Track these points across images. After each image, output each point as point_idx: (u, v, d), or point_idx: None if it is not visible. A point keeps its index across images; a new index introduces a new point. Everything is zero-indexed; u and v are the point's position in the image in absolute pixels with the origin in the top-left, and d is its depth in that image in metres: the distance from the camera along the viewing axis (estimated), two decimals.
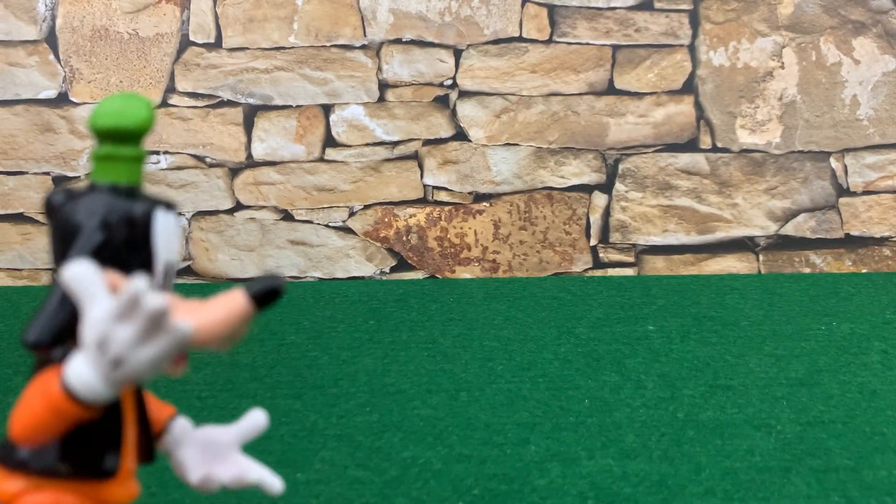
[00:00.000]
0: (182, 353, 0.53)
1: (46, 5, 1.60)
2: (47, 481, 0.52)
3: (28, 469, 0.52)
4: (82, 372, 0.47)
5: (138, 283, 0.44)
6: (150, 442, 0.59)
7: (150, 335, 0.45)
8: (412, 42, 1.63)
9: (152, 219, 0.53)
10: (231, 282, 1.67)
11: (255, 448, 1.02)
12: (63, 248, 0.52)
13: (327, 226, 1.68)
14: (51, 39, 1.61)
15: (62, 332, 0.50)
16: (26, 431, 0.49)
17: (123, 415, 0.55)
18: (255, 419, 0.62)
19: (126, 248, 0.52)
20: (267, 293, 0.50)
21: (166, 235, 0.54)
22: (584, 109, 1.66)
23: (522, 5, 1.63)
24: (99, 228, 0.52)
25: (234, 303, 0.50)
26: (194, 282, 1.67)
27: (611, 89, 1.65)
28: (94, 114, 0.54)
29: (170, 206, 0.55)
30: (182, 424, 0.62)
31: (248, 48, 1.62)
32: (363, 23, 1.62)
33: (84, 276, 0.46)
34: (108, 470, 0.53)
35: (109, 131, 0.54)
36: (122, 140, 0.54)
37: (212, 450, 0.61)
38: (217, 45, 1.62)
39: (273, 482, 0.61)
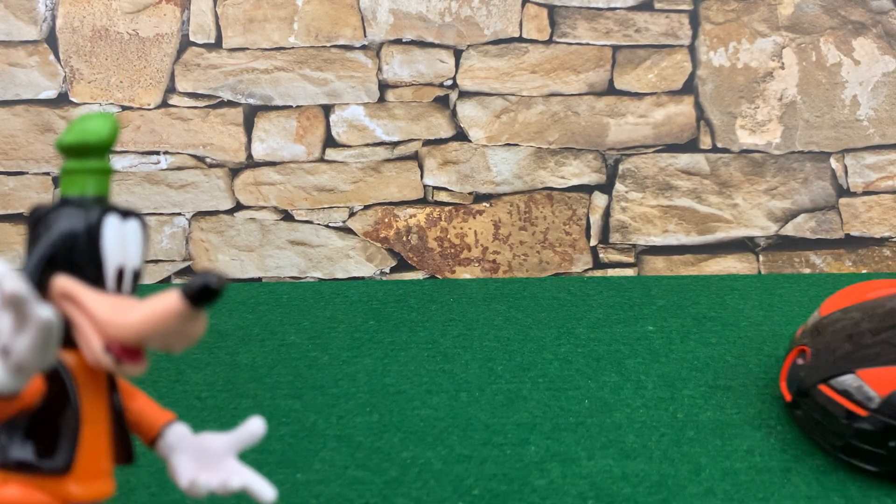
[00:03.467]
0: (136, 350, 0.54)
1: (46, 5, 1.60)
2: (10, 475, 0.54)
3: None
4: None
5: (1, 270, 0.46)
6: (129, 444, 0.60)
7: (21, 323, 0.47)
8: (412, 42, 1.63)
9: (100, 228, 0.56)
10: (231, 282, 1.67)
11: (256, 448, 1.02)
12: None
13: (327, 226, 1.68)
14: (51, 40, 1.61)
15: None
16: None
17: (81, 414, 0.56)
18: (252, 427, 0.63)
19: (77, 256, 0.56)
20: (201, 291, 0.50)
21: (119, 242, 0.57)
22: (584, 110, 1.66)
23: (522, 6, 1.63)
24: (51, 239, 0.56)
25: (166, 301, 0.51)
26: None
27: (611, 90, 1.65)
28: (62, 132, 0.58)
29: (128, 213, 0.58)
30: (177, 430, 0.64)
31: (248, 48, 1.62)
32: (363, 23, 1.62)
33: None
34: (59, 467, 0.55)
35: (73, 147, 0.58)
36: (86, 154, 0.58)
37: (205, 456, 0.62)
38: (217, 45, 1.62)
39: (264, 490, 0.61)
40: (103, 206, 0.58)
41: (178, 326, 0.52)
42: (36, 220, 0.58)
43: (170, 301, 0.51)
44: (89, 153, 0.58)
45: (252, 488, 0.61)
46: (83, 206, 0.57)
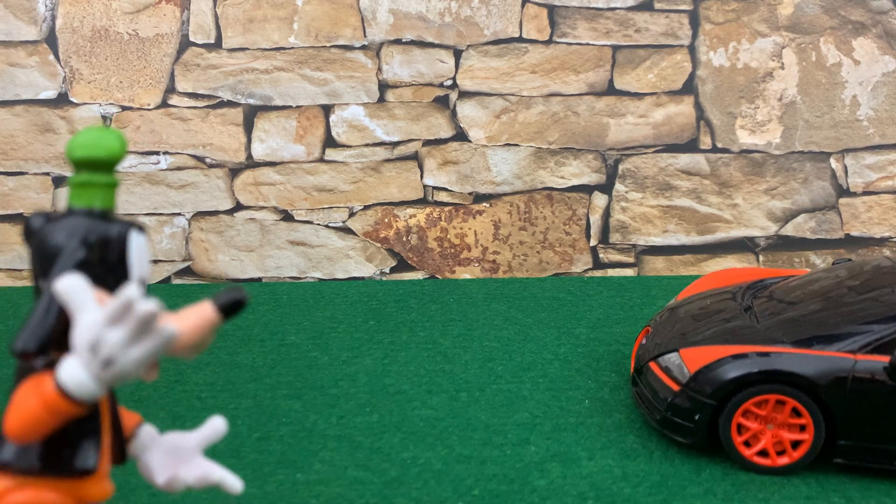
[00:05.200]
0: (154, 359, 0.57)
1: (46, 6, 1.60)
2: (29, 480, 0.56)
3: (11, 469, 0.56)
4: (75, 372, 0.52)
5: (131, 290, 0.49)
6: (122, 445, 0.63)
7: (139, 336, 0.50)
8: (412, 42, 1.63)
9: (128, 239, 0.58)
10: (231, 282, 1.67)
11: (256, 448, 1.02)
12: (43, 266, 0.58)
13: (327, 226, 1.68)
14: (51, 40, 1.61)
15: (47, 341, 0.55)
16: (21, 428, 0.54)
17: (102, 418, 0.59)
18: (215, 425, 0.67)
19: (104, 266, 0.58)
20: (232, 304, 0.54)
21: (139, 255, 0.59)
22: (584, 110, 1.66)
23: (522, 6, 1.63)
24: (79, 247, 0.57)
25: (203, 313, 0.54)
26: (194, 282, 1.67)
27: (611, 90, 1.65)
28: (71, 145, 0.59)
29: (141, 228, 0.60)
30: (148, 430, 0.67)
31: (248, 48, 1.62)
32: (363, 23, 1.63)
33: (75, 288, 0.52)
34: (89, 469, 0.57)
35: (85, 161, 0.59)
36: (97, 168, 0.60)
37: (176, 454, 0.66)
38: (217, 45, 1.62)
39: (233, 482, 0.65)
40: (120, 220, 0.60)
41: (209, 337, 0.55)
42: (36, 230, 0.58)
43: (207, 313, 0.54)
44: (99, 167, 0.60)
45: (225, 481, 0.65)
46: (97, 219, 0.59)
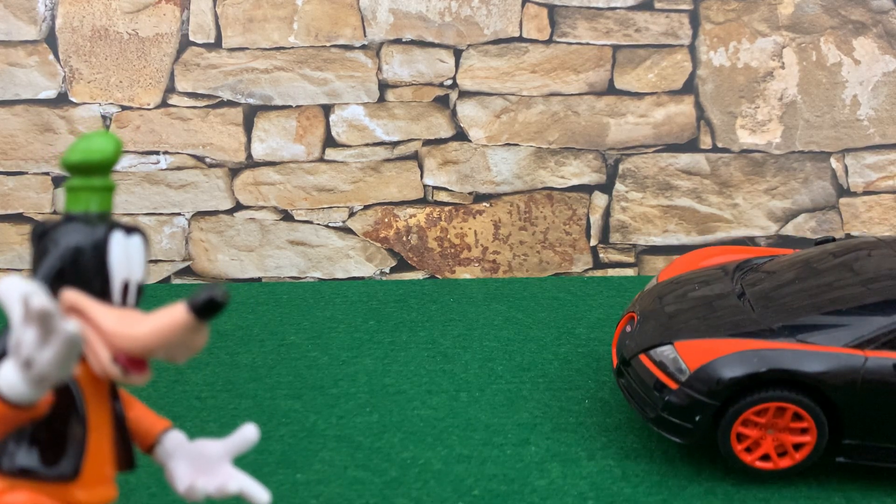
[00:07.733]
0: (140, 361, 0.57)
1: (46, 5, 1.60)
2: (17, 482, 0.56)
3: (1, 471, 0.56)
4: (8, 375, 0.51)
5: (27, 287, 0.49)
6: (130, 451, 0.63)
7: (46, 337, 0.49)
8: (412, 42, 1.63)
9: (107, 243, 0.58)
10: (231, 282, 1.67)
11: (256, 448, 1.02)
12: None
13: (327, 226, 1.68)
14: (50, 39, 1.61)
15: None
16: None
17: (88, 422, 0.58)
18: (246, 433, 0.66)
19: (85, 271, 0.58)
20: (207, 304, 0.52)
21: (125, 257, 0.59)
22: (585, 109, 1.66)
23: (522, 5, 1.63)
24: (59, 255, 0.57)
25: (173, 314, 0.53)
26: (194, 282, 1.67)
27: (611, 89, 1.65)
28: (66, 151, 0.60)
29: (131, 229, 0.60)
30: (174, 437, 0.66)
31: (247, 48, 1.62)
32: (363, 23, 1.62)
33: (8, 290, 0.52)
34: (67, 473, 0.57)
35: (78, 165, 0.59)
36: (91, 172, 0.59)
37: (201, 461, 0.65)
38: (217, 45, 1.62)
39: (258, 493, 0.63)
40: (109, 222, 0.60)
41: (184, 338, 0.53)
42: (40, 236, 0.59)
43: (177, 314, 0.53)
44: (93, 171, 0.59)
45: (247, 491, 0.63)
46: (90, 223, 0.59)
